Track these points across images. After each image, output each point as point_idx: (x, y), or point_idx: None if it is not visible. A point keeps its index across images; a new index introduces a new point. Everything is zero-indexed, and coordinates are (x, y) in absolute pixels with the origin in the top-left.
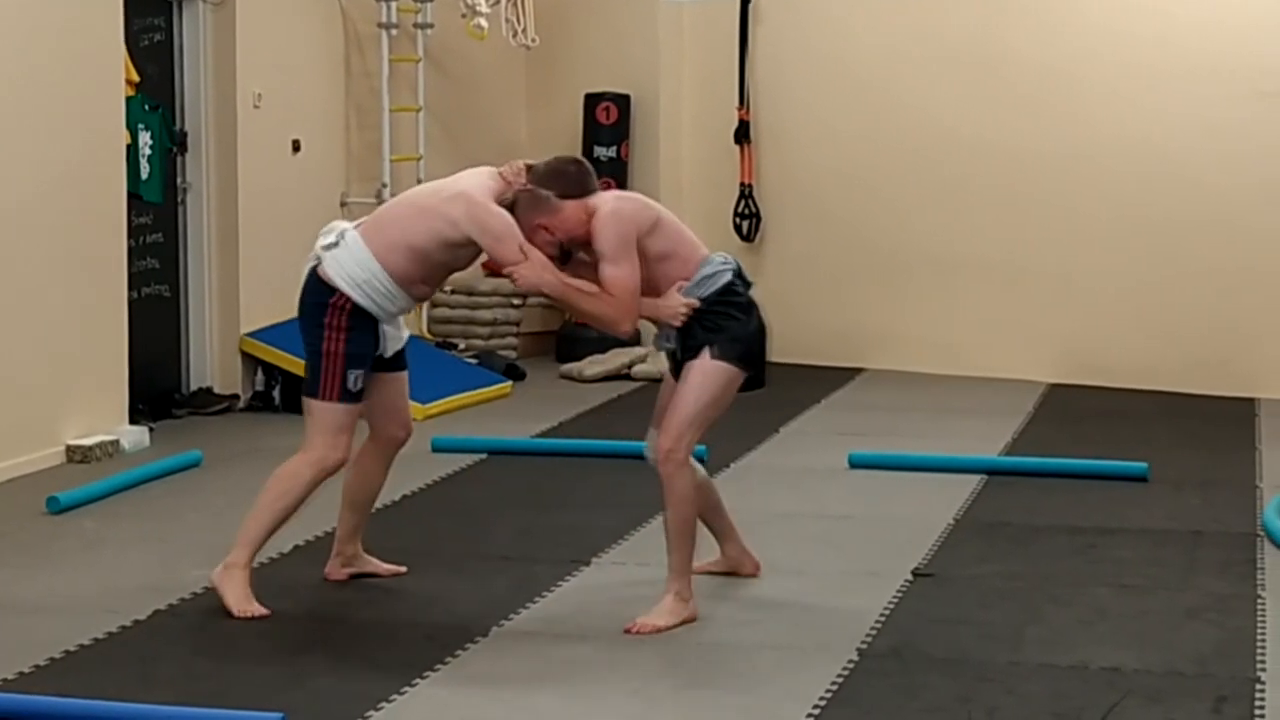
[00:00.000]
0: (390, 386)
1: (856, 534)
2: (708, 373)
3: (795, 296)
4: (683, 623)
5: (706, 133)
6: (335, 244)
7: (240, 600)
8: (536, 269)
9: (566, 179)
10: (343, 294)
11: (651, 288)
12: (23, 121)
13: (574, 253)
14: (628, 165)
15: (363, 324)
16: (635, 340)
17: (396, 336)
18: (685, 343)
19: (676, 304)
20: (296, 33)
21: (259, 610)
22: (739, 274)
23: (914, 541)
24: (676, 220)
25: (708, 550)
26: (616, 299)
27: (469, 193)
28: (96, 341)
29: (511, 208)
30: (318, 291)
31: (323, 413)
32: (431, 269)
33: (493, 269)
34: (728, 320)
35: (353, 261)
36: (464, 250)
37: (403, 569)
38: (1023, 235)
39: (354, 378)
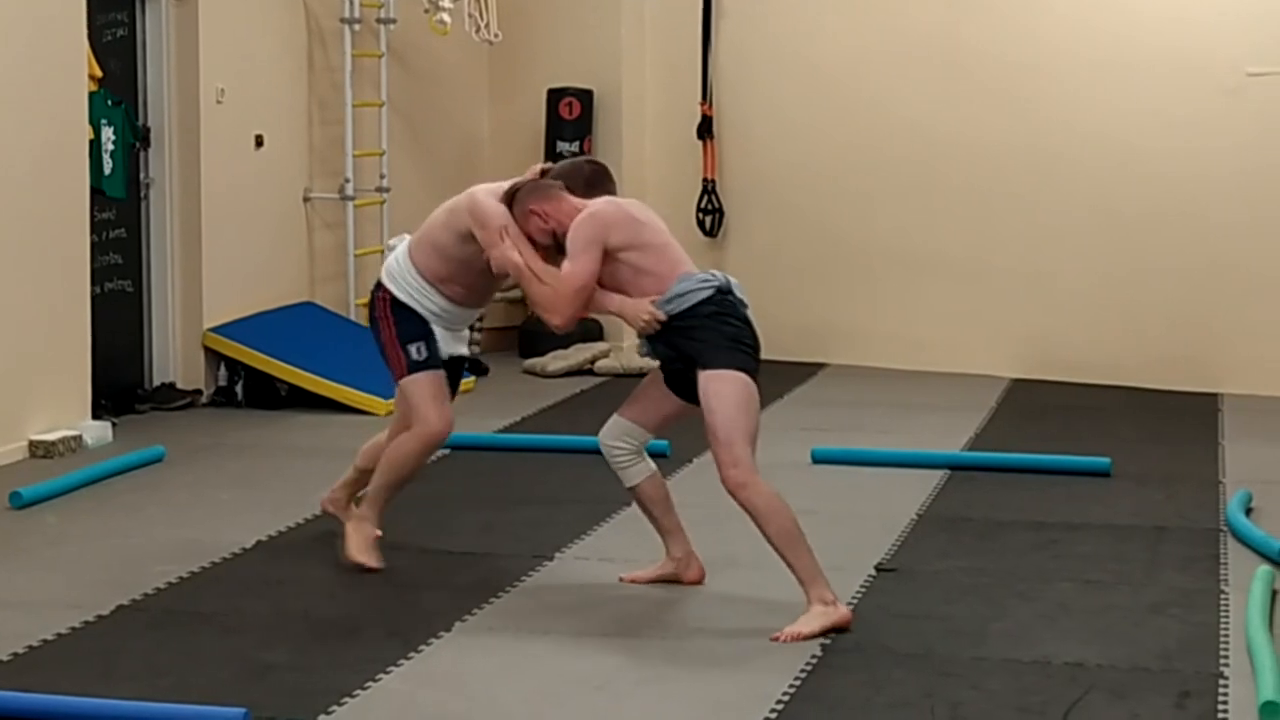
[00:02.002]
0: None
1: (820, 529)
2: (715, 388)
3: (758, 292)
4: (833, 626)
5: (669, 128)
6: (393, 249)
7: (358, 548)
8: (507, 248)
9: (576, 174)
10: (382, 287)
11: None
12: None
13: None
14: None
15: (405, 313)
16: (599, 336)
17: (450, 341)
18: (680, 361)
19: (642, 310)
20: (259, 28)
21: (372, 562)
22: (723, 290)
23: (877, 537)
24: (668, 238)
25: (654, 553)
26: (557, 292)
27: (474, 189)
28: (59, 337)
29: (513, 195)
30: (373, 292)
31: (404, 391)
32: (454, 267)
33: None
34: (706, 333)
35: (395, 261)
36: (474, 245)
37: (378, 533)
38: (987, 230)
39: (414, 349)
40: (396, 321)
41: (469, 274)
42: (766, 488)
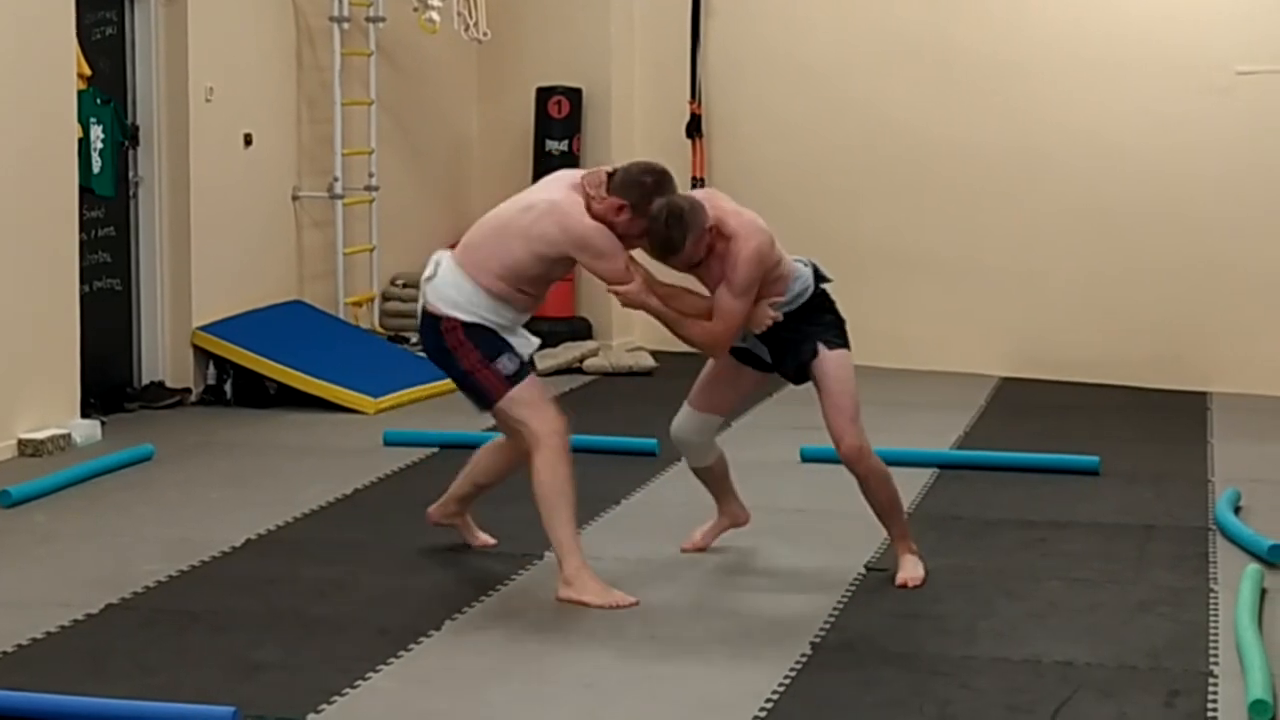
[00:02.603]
0: None
1: (809, 528)
2: (837, 364)
3: None
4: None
5: (658, 126)
6: (433, 275)
7: (604, 594)
8: (641, 291)
9: (641, 189)
10: (448, 319)
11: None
12: None
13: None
14: (579, 159)
15: (478, 333)
16: (587, 334)
17: (525, 342)
18: (789, 344)
19: (764, 315)
20: (248, 27)
21: (626, 598)
22: (817, 274)
23: (867, 536)
24: (781, 248)
25: (644, 553)
26: (722, 331)
27: (562, 206)
28: (48, 335)
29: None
30: (431, 325)
31: (510, 407)
32: (529, 282)
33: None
34: (822, 314)
35: (449, 286)
36: (560, 264)
37: (493, 540)
38: (975, 229)
39: (502, 363)
40: (476, 345)
41: (543, 285)
42: (879, 461)
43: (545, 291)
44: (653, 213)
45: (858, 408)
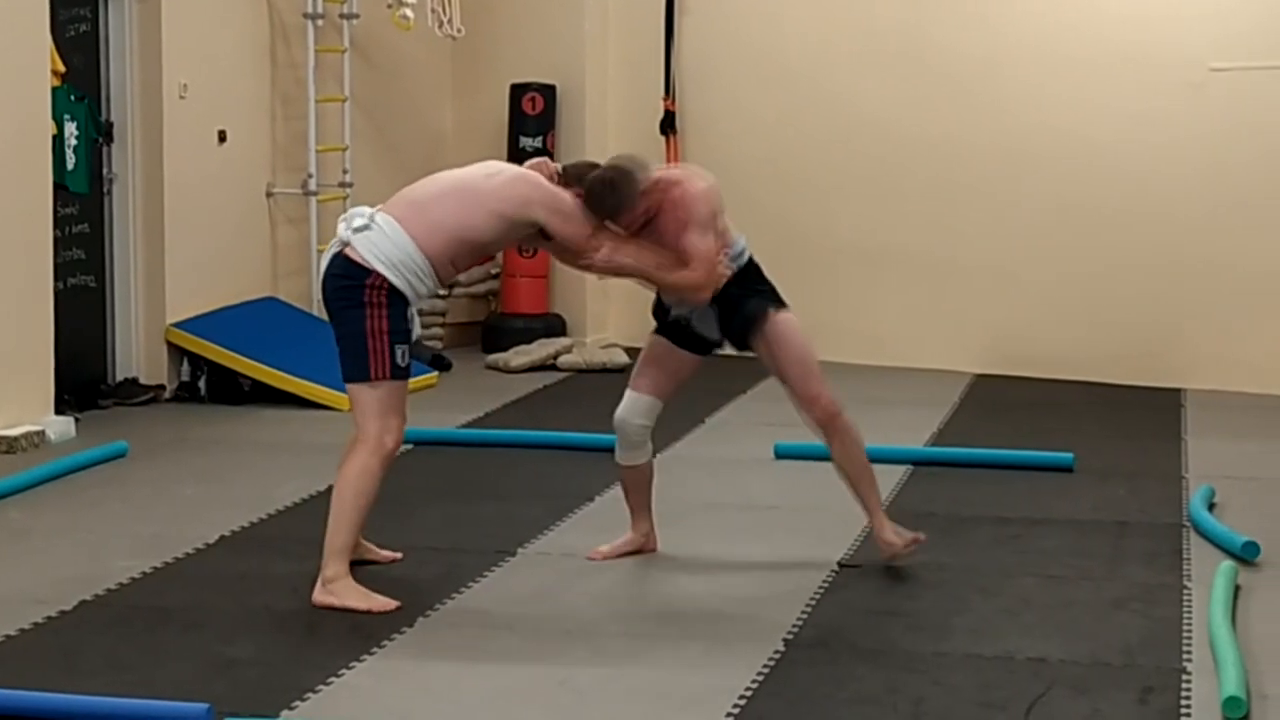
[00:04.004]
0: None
1: (783, 525)
2: (787, 327)
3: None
4: (912, 541)
5: (632, 123)
6: (366, 227)
7: (364, 599)
8: (613, 253)
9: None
10: (378, 274)
11: None
12: None
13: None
14: (554, 156)
15: (398, 302)
16: (562, 331)
17: (414, 332)
18: (734, 311)
19: (721, 268)
20: (222, 23)
21: (389, 603)
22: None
23: (840, 532)
24: None
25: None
26: (703, 272)
27: (530, 175)
28: (22, 332)
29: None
30: (350, 274)
31: (374, 395)
32: (470, 251)
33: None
34: (760, 281)
35: (389, 244)
36: (513, 232)
37: (398, 555)
38: (949, 226)
39: (400, 352)
40: (390, 314)
41: (477, 258)
42: (853, 423)
43: (463, 269)
44: (589, 181)
45: (816, 366)
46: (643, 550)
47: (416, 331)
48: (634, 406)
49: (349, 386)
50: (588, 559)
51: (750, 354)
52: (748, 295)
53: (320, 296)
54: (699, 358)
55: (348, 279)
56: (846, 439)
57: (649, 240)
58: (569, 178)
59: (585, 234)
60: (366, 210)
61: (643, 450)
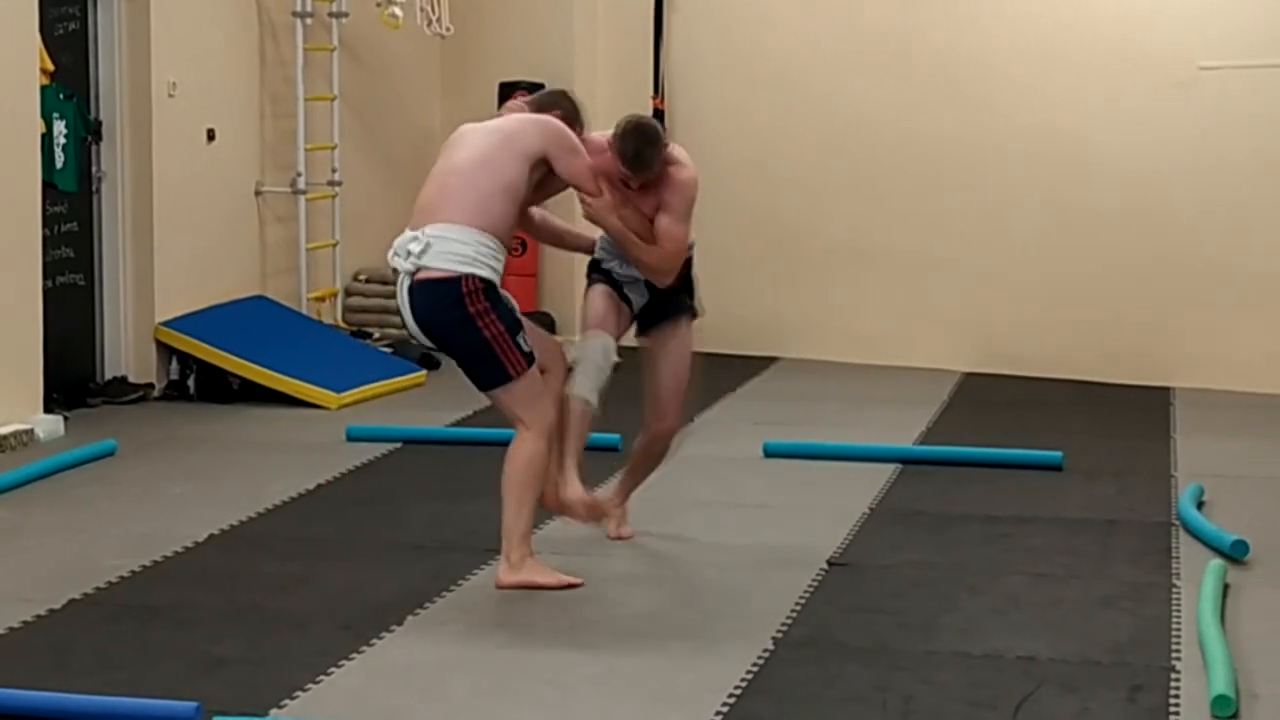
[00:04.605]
0: None
1: (772, 523)
2: (689, 339)
3: (710, 285)
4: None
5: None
6: (426, 246)
7: (551, 576)
8: (608, 205)
9: (558, 99)
10: (469, 278)
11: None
12: None
13: None
14: None
15: (496, 295)
16: (550, 329)
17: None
18: (663, 303)
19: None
20: (211, 22)
21: (573, 579)
22: None
23: (829, 531)
24: None
25: (606, 546)
26: (672, 253)
27: (525, 116)
28: (11, 330)
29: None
30: (442, 293)
31: (520, 388)
32: (516, 206)
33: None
34: (693, 284)
35: (457, 244)
36: (537, 172)
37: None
38: (938, 225)
39: (523, 339)
40: (498, 312)
41: (522, 210)
42: None
43: (519, 228)
44: (623, 128)
45: (687, 389)
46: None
47: (516, 307)
48: (590, 342)
49: (494, 393)
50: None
51: (636, 344)
52: (679, 293)
53: (415, 332)
54: (630, 316)
55: (444, 298)
56: (655, 449)
57: (634, 203)
58: (538, 105)
59: (588, 168)
60: (413, 235)
61: (597, 387)
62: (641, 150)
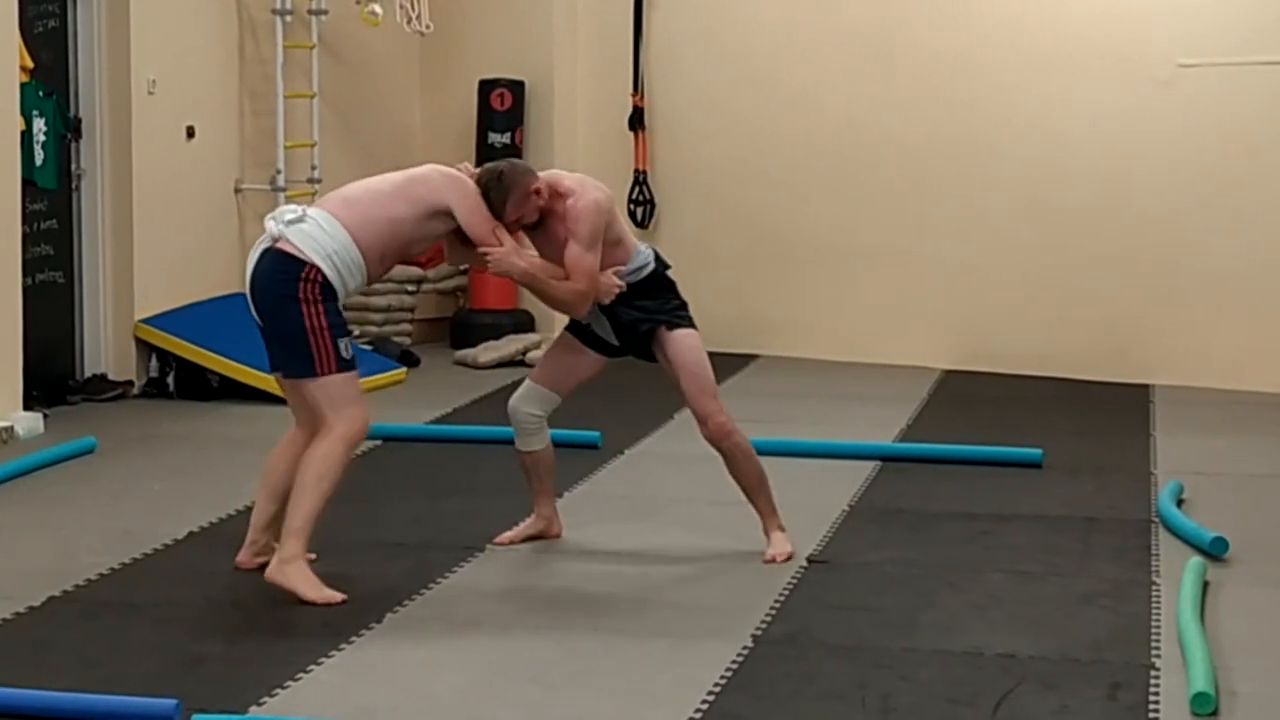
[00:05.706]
0: None
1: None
2: (686, 343)
3: (690, 283)
4: (788, 556)
5: (601, 119)
6: (300, 220)
7: (314, 588)
8: (511, 254)
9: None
10: (313, 266)
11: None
12: None
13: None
14: (522, 152)
15: (331, 296)
16: (530, 327)
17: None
18: (635, 325)
19: (610, 283)
20: (190, 19)
21: (336, 595)
22: (658, 259)
23: (809, 528)
24: (622, 219)
25: (580, 541)
26: (583, 286)
27: (445, 169)
28: None
29: (491, 184)
30: (284, 268)
31: (332, 386)
32: (398, 246)
33: (426, 263)
34: (667, 296)
35: (325, 236)
36: (434, 224)
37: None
38: (918, 222)
39: (343, 345)
40: (326, 309)
41: (404, 254)
42: (744, 436)
43: (394, 264)
44: (482, 171)
45: (713, 383)
46: (544, 535)
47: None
48: (527, 395)
49: (300, 382)
50: (494, 544)
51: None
52: (646, 310)
53: (249, 295)
54: (604, 359)
55: (282, 273)
56: (738, 456)
57: (540, 246)
58: (479, 180)
59: (489, 227)
60: (297, 206)
61: (537, 438)
62: (489, 197)
